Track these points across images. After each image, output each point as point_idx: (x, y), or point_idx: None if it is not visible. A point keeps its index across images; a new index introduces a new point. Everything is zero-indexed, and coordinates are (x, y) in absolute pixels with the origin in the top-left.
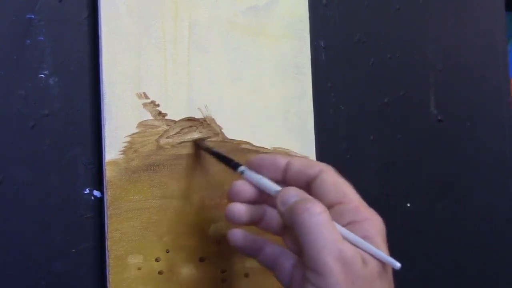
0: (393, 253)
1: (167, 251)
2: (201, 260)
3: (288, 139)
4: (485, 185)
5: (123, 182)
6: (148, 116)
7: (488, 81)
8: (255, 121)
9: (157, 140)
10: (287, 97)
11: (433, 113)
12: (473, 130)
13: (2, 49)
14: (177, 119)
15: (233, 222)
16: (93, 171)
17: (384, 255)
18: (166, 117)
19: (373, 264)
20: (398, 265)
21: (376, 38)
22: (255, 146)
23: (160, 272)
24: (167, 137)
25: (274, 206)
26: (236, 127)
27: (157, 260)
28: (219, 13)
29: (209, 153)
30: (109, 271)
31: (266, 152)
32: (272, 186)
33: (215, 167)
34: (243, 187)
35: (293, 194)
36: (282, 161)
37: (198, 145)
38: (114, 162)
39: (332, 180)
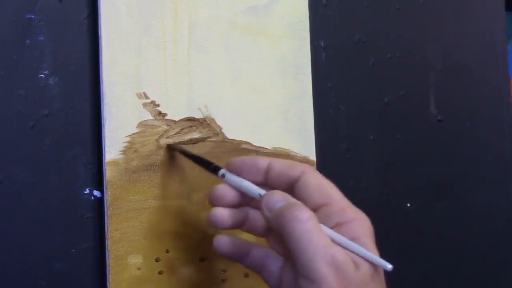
0: (392, 253)
1: (167, 251)
2: (201, 260)
3: (288, 139)
4: (485, 185)
5: (123, 182)
6: (148, 116)
7: (488, 81)
8: (255, 121)
9: (157, 140)
10: (287, 97)
11: (433, 113)
12: (473, 130)
13: (2, 49)
14: (177, 119)
15: (217, 227)
16: (93, 171)
17: (375, 257)
18: (166, 117)
19: (365, 267)
20: (389, 266)
21: (376, 38)
22: (255, 146)
23: (160, 272)
24: (167, 137)
25: (257, 208)
26: (236, 127)
27: (157, 260)
28: (219, 13)
29: (187, 157)
30: (109, 271)
31: (266, 152)
32: (254, 189)
33: None
34: (225, 191)
35: (279, 198)
36: (263, 162)
37: (174, 148)
38: (114, 162)
39: (316, 181)
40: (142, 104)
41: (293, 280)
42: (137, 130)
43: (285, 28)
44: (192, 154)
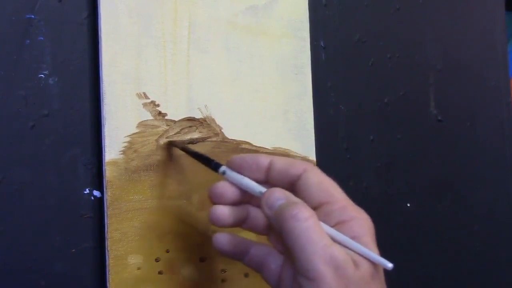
0: (392, 253)
1: (167, 251)
2: (201, 260)
3: (288, 139)
4: (485, 185)
5: (123, 182)
6: (148, 116)
7: (488, 81)
8: (255, 121)
9: (157, 140)
10: (287, 97)
11: (433, 113)
12: (473, 130)
13: (2, 49)
14: (177, 119)
15: (217, 225)
16: (93, 171)
17: (375, 256)
18: (166, 117)
19: (365, 266)
20: (390, 265)
21: (376, 38)
22: (255, 146)
23: (160, 272)
24: (167, 137)
25: (257, 206)
26: (236, 127)
27: (157, 260)
28: (218, 13)
29: (187, 153)
30: (109, 271)
31: (266, 152)
32: (255, 187)
33: None
34: (225, 189)
35: (279, 196)
36: (265, 160)
37: (174, 145)
38: (114, 162)
39: (317, 179)
40: (142, 104)
41: (293, 279)
42: (137, 130)
43: (285, 28)
44: (193, 151)
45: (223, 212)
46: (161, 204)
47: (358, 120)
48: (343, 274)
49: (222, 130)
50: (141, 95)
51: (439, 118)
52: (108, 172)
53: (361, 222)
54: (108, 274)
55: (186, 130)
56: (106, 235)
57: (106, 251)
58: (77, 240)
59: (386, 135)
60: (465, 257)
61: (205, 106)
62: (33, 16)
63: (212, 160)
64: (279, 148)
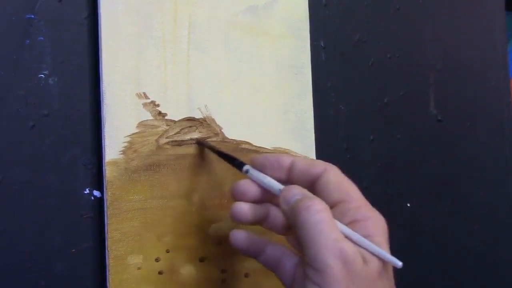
0: (392, 252)
1: (167, 251)
2: (201, 260)
3: (288, 139)
4: (485, 185)
5: (123, 182)
6: (148, 116)
7: (488, 81)
8: (255, 121)
9: (157, 140)
10: (287, 97)
11: (432, 113)
12: (473, 130)
13: (2, 49)
14: (177, 119)
15: (238, 221)
16: (93, 171)
17: (386, 253)
18: (166, 117)
19: (374, 263)
20: (399, 264)
21: (376, 38)
22: (255, 146)
23: (160, 272)
24: (167, 137)
25: (278, 205)
26: (236, 127)
27: (157, 260)
28: (218, 13)
29: (214, 152)
30: (109, 271)
31: (266, 152)
32: (276, 185)
33: (215, 167)
34: (247, 186)
35: (296, 192)
36: (286, 160)
37: (202, 144)
38: (114, 162)
39: (336, 179)
40: (142, 104)
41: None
42: (137, 130)
43: (285, 28)
44: (218, 150)
45: (244, 208)
46: (161, 204)
47: (358, 120)
48: (351, 268)
49: (222, 130)
50: (141, 95)
51: (439, 118)
52: (108, 172)
53: (375, 222)
54: (108, 274)
55: (186, 130)
56: (106, 235)
57: (106, 251)
58: (77, 240)
59: (386, 135)
60: (465, 257)
61: (205, 106)
62: (33, 16)
63: (236, 159)
64: (279, 148)
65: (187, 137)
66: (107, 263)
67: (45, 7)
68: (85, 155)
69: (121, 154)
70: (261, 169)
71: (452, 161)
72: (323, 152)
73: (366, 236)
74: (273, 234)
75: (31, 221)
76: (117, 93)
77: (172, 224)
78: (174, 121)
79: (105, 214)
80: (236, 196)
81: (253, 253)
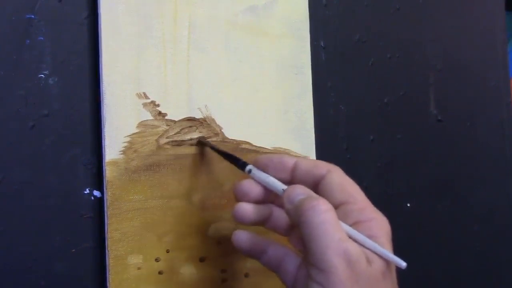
0: (394, 253)
1: (167, 251)
2: (201, 260)
3: (288, 139)
4: (485, 185)
5: (123, 182)
6: (148, 116)
7: (488, 81)
8: (255, 121)
9: (157, 140)
10: (287, 97)
11: (432, 113)
12: (473, 130)
13: (2, 49)
14: (177, 119)
15: (241, 222)
16: (93, 171)
17: (389, 253)
18: (166, 117)
19: (377, 264)
20: (403, 264)
21: (376, 38)
22: (255, 146)
23: (160, 272)
24: (167, 137)
25: (281, 206)
26: (236, 127)
27: (157, 260)
28: (218, 13)
29: (215, 151)
30: (109, 271)
31: (266, 152)
32: (279, 185)
33: (216, 167)
34: (250, 187)
35: (299, 192)
36: (290, 161)
37: (204, 143)
38: (114, 162)
39: (339, 180)
40: (142, 104)
41: (307, 276)
42: (137, 130)
43: (285, 28)
44: (221, 150)
45: (247, 209)
46: (161, 204)
47: (358, 120)
48: (354, 268)
49: (222, 130)
50: (141, 95)
51: (439, 118)
52: (108, 172)
53: (378, 223)
54: (108, 274)
55: (186, 130)
56: (106, 235)
57: (106, 251)
58: (77, 240)
59: (386, 135)
60: (465, 257)
61: (205, 106)
62: (33, 16)
63: (239, 159)
64: (279, 148)
65: (187, 137)
66: (107, 263)
67: (45, 7)
68: (85, 155)
69: (121, 154)
70: (264, 169)
71: (452, 161)
72: (323, 152)
73: (369, 237)
74: (274, 235)
75: (31, 221)
76: (117, 93)
77: (172, 224)
78: (174, 121)
79: (105, 214)
80: (239, 196)
81: (255, 254)
